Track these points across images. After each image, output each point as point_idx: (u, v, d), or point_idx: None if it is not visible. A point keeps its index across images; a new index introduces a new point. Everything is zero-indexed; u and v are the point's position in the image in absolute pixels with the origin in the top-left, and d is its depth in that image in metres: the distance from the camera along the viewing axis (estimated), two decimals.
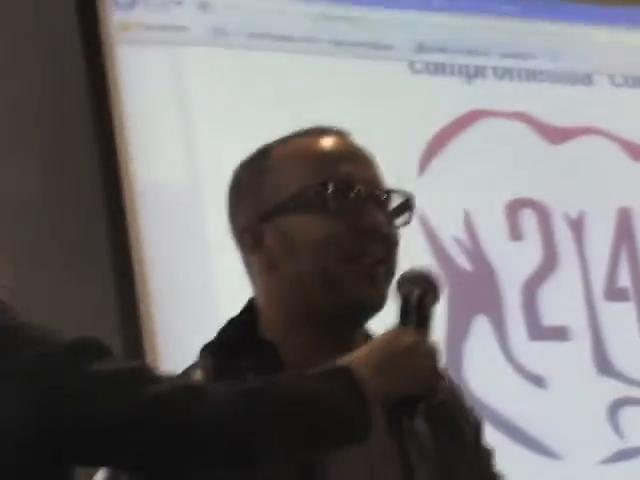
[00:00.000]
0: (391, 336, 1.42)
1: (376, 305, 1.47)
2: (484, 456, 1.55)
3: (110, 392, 1.29)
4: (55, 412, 1.25)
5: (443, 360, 1.65)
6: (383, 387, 1.36)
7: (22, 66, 2.96)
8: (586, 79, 3.33)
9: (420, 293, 1.46)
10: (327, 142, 1.56)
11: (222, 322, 1.59)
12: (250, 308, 1.59)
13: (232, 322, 1.61)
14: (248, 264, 1.60)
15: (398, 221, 1.52)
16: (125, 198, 2.82)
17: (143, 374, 1.34)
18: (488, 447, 1.55)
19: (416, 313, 1.46)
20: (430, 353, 1.42)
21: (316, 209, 1.50)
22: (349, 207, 1.48)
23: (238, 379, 1.43)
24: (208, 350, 1.57)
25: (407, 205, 1.52)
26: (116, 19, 2.82)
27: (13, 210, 2.95)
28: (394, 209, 1.52)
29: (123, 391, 1.30)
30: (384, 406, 1.36)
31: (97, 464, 1.42)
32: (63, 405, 1.26)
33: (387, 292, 1.48)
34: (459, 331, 2.96)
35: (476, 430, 1.55)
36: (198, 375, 1.53)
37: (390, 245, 1.49)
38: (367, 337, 1.53)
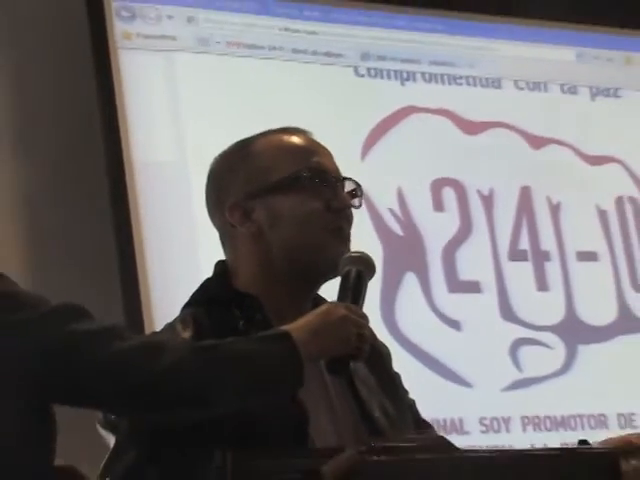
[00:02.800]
0: (328, 308, 1.70)
1: None
2: (397, 378, 1.96)
3: (86, 346, 1.53)
4: (43, 360, 1.51)
5: (375, 313, 2.12)
6: (318, 348, 1.64)
7: (40, 67, 3.37)
8: (496, 83, 3.80)
9: (357, 272, 1.76)
10: (299, 138, 1.88)
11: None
12: (223, 270, 1.88)
13: (210, 282, 1.89)
14: (229, 234, 1.87)
15: (353, 203, 1.85)
16: (126, 175, 3.19)
17: (116, 331, 1.57)
18: (395, 371, 1.96)
19: (352, 290, 1.75)
20: (359, 323, 1.68)
21: (298, 190, 1.80)
22: (324, 190, 1.80)
23: (230, 327, 1.75)
24: (195, 305, 1.85)
25: (358, 191, 1.85)
26: (119, 29, 3.22)
27: (26, 202, 3.40)
28: (348, 192, 1.84)
29: (97, 345, 1.53)
30: (327, 366, 1.71)
31: (78, 405, 1.62)
32: (49, 355, 1.51)
33: None
34: (392, 285, 3.38)
35: (389, 358, 1.96)
36: (179, 329, 1.79)
37: (350, 221, 1.81)
38: (317, 298, 1.86)
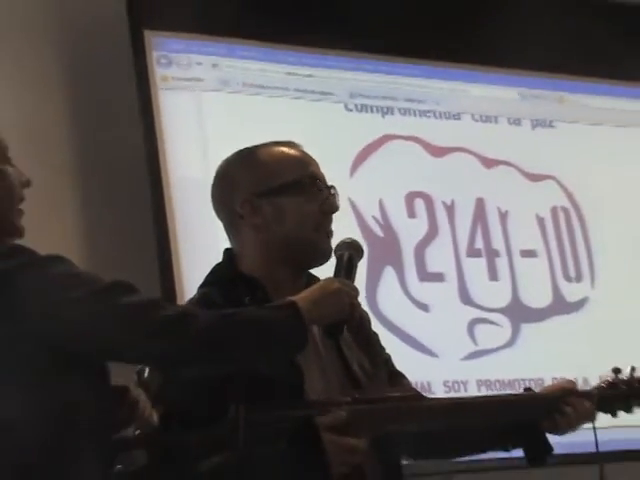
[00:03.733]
0: (326, 282, 1.87)
1: (330, 256, 2.00)
2: (375, 337, 2.14)
3: (137, 314, 1.69)
4: (103, 327, 1.66)
5: (360, 298, 1.96)
6: (318, 315, 1.79)
7: (98, 104, 3.70)
8: (457, 116, 4.23)
9: (349, 255, 1.97)
10: (296, 150, 2.07)
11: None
12: (230, 256, 2.05)
13: (219, 266, 2.07)
14: (236, 225, 2.04)
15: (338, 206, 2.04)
16: (163, 191, 3.53)
17: (159, 303, 1.72)
18: (375, 333, 2.12)
19: (345, 268, 1.94)
20: (351, 294, 1.85)
21: (299, 194, 1.99)
22: (318, 194, 2.00)
23: (237, 302, 1.88)
24: (207, 285, 2.04)
25: (337, 195, 2.03)
26: (159, 74, 3.61)
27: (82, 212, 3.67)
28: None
29: (145, 313, 1.69)
30: (322, 327, 1.87)
31: (130, 362, 1.80)
32: (107, 322, 1.67)
33: None
34: (374, 276, 3.76)
35: (368, 322, 2.13)
36: (195, 302, 1.97)
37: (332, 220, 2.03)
38: (310, 276, 2.03)
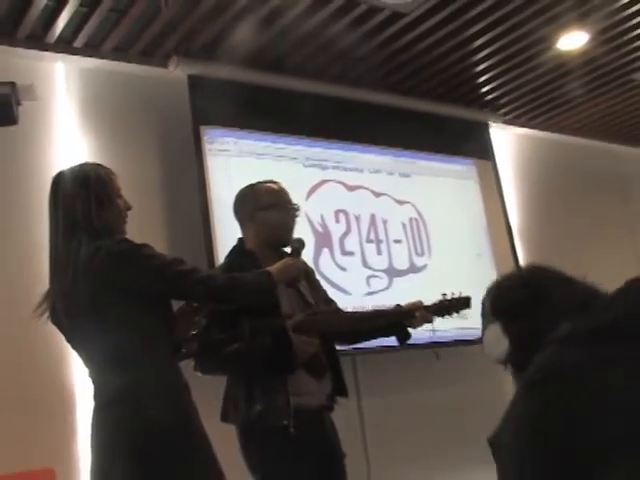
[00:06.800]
0: (287, 259, 2.64)
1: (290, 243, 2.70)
2: (319, 282, 3.03)
3: (187, 273, 2.40)
4: (178, 283, 2.39)
5: (310, 262, 3.10)
6: (283, 277, 2.58)
7: (167, 171, 4.82)
8: (359, 170, 5.63)
9: (298, 246, 2.78)
10: (277, 185, 2.90)
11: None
12: (241, 241, 2.87)
13: (236, 247, 2.90)
14: (245, 225, 2.87)
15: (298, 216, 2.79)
16: (209, 211, 4.59)
17: (198, 269, 2.43)
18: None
19: (296, 253, 2.77)
20: (300, 267, 2.67)
21: (277, 210, 2.82)
22: (288, 210, 2.85)
23: (245, 268, 2.61)
24: (228, 257, 2.90)
25: (299, 211, 2.86)
26: (206, 147, 4.84)
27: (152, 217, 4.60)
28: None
29: (192, 274, 2.41)
30: (287, 284, 2.70)
31: (181, 299, 2.54)
32: (184, 280, 2.40)
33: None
34: (317, 253, 5.08)
35: (312, 272, 3.01)
36: (224, 269, 2.74)
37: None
38: (282, 253, 2.74)
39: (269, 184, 2.97)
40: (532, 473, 1.26)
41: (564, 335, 1.39)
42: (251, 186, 2.98)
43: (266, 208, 2.86)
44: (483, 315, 1.67)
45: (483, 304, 1.67)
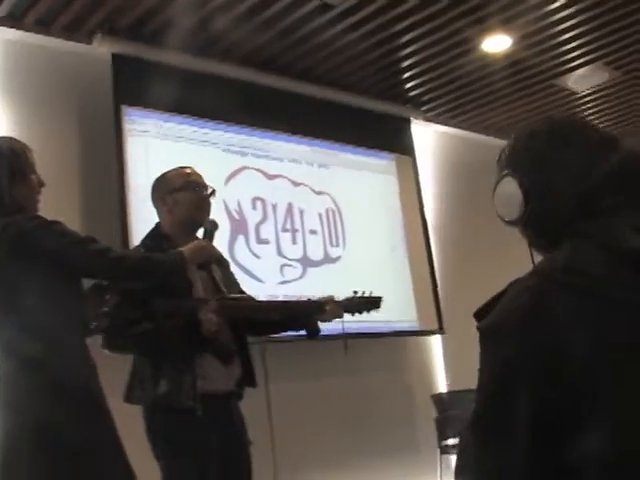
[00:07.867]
0: (199, 242, 2.72)
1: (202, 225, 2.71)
2: (231, 271, 3.06)
3: (100, 252, 2.44)
4: (90, 261, 2.43)
5: (224, 251, 3.22)
6: (194, 258, 2.66)
7: (86, 149, 4.84)
8: (280, 159, 5.68)
9: (211, 227, 2.83)
10: (190, 169, 2.97)
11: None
12: (157, 225, 2.90)
13: (153, 229, 2.92)
14: (159, 209, 2.91)
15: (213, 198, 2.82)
16: (125, 192, 4.64)
17: (111, 248, 2.46)
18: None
19: (209, 235, 2.81)
20: (212, 248, 2.76)
21: (189, 191, 2.88)
22: (197, 192, 2.89)
23: (159, 249, 2.70)
24: (146, 239, 2.89)
25: (214, 193, 2.89)
26: (127, 127, 4.89)
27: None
28: (211, 193, 2.86)
29: (105, 253, 2.44)
30: (198, 266, 2.76)
31: (90, 277, 2.54)
32: (96, 258, 2.44)
33: None
34: (233, 240, 5.14)
35: (227, 262, 3.00)
36: (140, 249, 2.80)
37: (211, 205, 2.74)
38: (195, 237, 2.77)
39: (181, 169, 3.03)
40: (533, 361, 1.18)
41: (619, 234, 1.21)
42: (164, 173, 3.04)
43: (177, 190, 2.91)
44: (499, 167, 1.45)
45: (500, 155, 1.46)
